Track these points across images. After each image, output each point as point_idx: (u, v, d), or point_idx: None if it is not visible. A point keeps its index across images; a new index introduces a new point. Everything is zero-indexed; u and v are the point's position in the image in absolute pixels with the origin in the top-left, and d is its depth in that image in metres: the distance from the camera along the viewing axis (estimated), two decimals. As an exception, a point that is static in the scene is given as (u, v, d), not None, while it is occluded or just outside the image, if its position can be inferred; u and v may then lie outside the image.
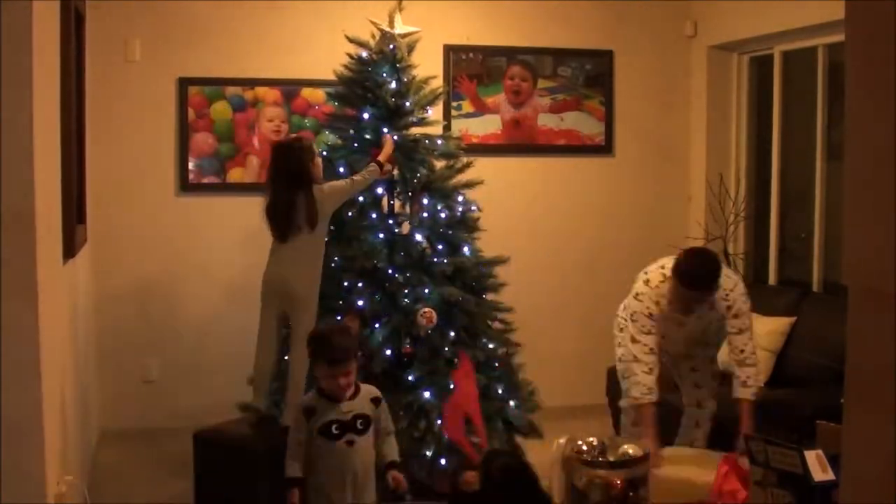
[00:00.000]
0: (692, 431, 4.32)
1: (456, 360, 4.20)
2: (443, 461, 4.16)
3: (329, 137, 4.80)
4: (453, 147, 4.65)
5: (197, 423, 4.71)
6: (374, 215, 4.42)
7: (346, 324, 3.96)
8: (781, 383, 4.68)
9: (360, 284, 4.28)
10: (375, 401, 3.36)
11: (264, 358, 4.28)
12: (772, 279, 5.79)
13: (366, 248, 4.31)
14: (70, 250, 3.61)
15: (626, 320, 4.18)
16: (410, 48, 4.54)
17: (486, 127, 5.98)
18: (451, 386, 4.11)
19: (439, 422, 4.19)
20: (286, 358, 4.31)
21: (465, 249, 4.53)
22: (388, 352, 4.24)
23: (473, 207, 4.62)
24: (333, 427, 3.22)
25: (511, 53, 5.99)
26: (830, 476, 2.92)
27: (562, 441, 3.41)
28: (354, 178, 4.23)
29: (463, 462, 3.66)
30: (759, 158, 6.08)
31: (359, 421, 3.28)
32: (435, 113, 4.88)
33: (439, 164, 4.59)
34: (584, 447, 3.29)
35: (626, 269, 6.18)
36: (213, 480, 4.17)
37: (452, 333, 4.34)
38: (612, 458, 3.28)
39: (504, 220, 5.72)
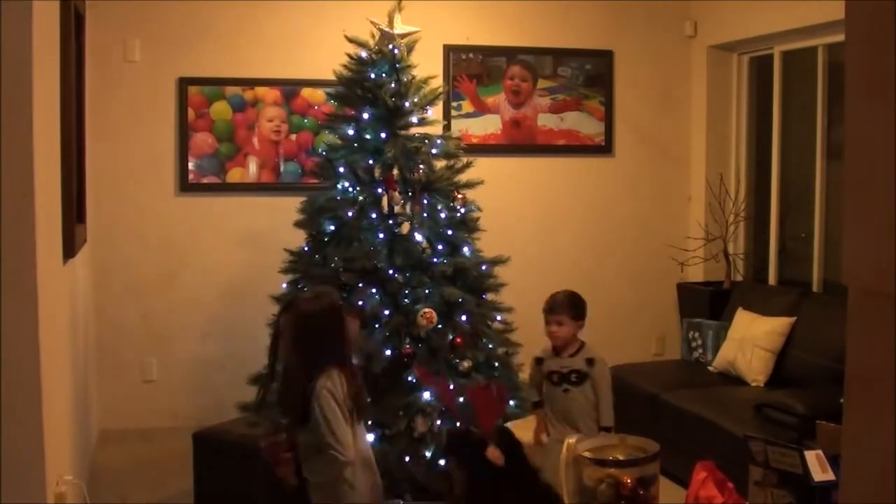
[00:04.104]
0: None
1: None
2: (441, 461, 4.15)
3: (328, 137, 4.81)
4: (453, 147, 4.65)
5: (197, 423, 4.72)
6: (374, 215, 4.42)
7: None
8: (781, 383, 4.68)
9: (360, 284, 4.28)
10: (590, 361, 3.92)
11: None
12: (772, 279, 5.79)
13: (366, 249, 4.31)
14: (70, 250, 3.61)
15: None
16: (410, 48, 4.53)
17: (486, 127, 5.98)
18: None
19: (439, 422, 4.19)
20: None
21: (465, 249, 4.53)
22: (388, 352, 4.24)
23: (473, 207, 4.62)
24: (554, 376, 3.95)
25: (511, 53, 5.99)
26: (830, 476, 2.92)
27: (571, 440, 3.42)
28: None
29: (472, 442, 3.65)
30: (759, 158, 6.09)
31: (573, 374, 3.91)
32: (435, 113, 4.88)
33: (439, 164, 4.59)
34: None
35: (626, 268, 6.23)
36: (213, 480, 4.17)
37: (452, 334, 4.34)
38: (621, 457, 3.29)
39: (504, 220, 5.73)
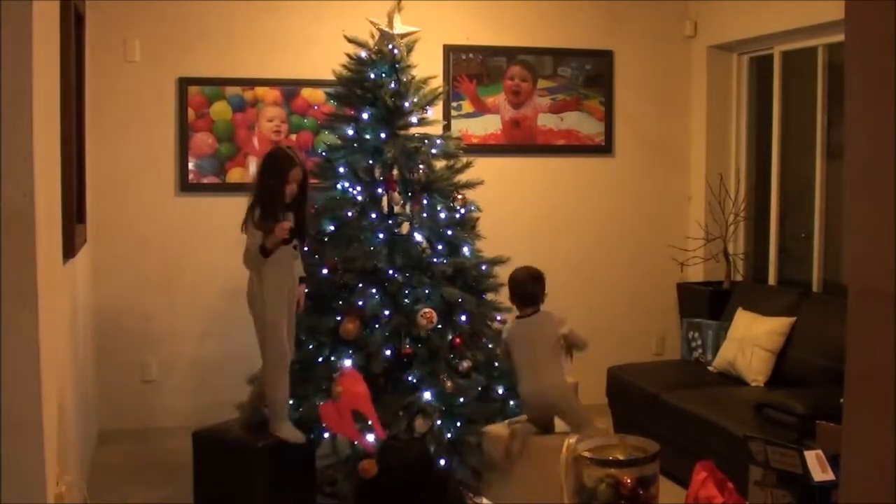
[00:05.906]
0: None
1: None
2: (442, 461, 4.16)
3: (328, 137, 4.81)
4: (453, 147, 4.65)
5: (197, 423, 4.71)
6: (374, 215, 4.43)
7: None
8: (781, 383, 4.68)
9: (360, 284, 4.28)
10: None
11: None
12: (772, 279, 5.79)
13: (366, 249, 4.31)
14: (70, 250, 3.61)
15: None
16: (410, 48, 4.54)
17: (485, 127, 5.98)
18: (339, 390, 4.02)
19: (440, 422, 4.19)
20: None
21: (465, 250, 4.53)
22: (388, 352, 4.24)
23: (473, 207, 4.62)
24: None
25: (511, 53, 5.99)
26: (830, 476, 2.93)
27: (572, 441, 3.43)
28: None
29: (362, 454, 3.95)
30: (759, 158, 6.08)
31: None
32: (435, 113, 4.88)
33: (439, 164, 4.59)
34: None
35: (626, 268, 6.23)
36: (212, 480, 4.17)
37: (451, 334, 4.34)
38: (621, 457, 3.30)
39: (504, 220, 5.72)
